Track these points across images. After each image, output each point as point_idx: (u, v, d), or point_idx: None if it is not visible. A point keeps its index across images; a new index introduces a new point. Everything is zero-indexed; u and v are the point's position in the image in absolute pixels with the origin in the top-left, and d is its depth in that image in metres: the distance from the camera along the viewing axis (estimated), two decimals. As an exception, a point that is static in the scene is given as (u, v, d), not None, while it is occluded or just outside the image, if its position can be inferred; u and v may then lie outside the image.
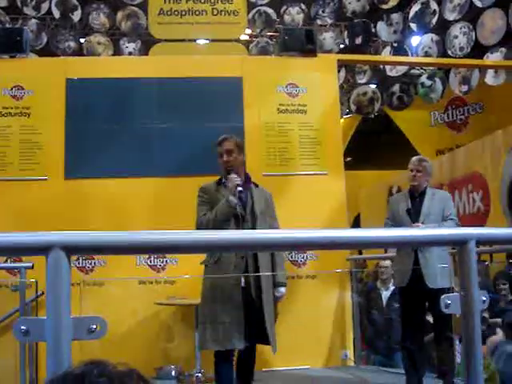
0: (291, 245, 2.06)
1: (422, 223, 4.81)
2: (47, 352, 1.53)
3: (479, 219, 7.91)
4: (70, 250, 1.57)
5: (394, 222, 5.03)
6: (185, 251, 2.02)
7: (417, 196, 4.98)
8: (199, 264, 4.32)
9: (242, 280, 4.09)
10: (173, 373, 5.77)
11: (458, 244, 1.98)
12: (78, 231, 1.63)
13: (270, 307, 4.18)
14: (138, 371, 1.05)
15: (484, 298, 2.00)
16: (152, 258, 6.23)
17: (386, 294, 7.14)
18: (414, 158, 5.15)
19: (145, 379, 1.04)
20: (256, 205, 4.24)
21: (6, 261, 5.87)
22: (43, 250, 1.55)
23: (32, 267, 5.31)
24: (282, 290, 4.35)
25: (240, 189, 4.11)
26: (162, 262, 6.23)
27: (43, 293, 5.52)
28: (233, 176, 4.15)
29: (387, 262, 7.14)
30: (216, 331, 4.04)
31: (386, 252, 7.49)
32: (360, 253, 8.82)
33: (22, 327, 1.55)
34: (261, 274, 4.12)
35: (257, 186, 4.42)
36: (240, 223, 4.15)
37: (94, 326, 1.57)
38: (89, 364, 1.03)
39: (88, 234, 1.67)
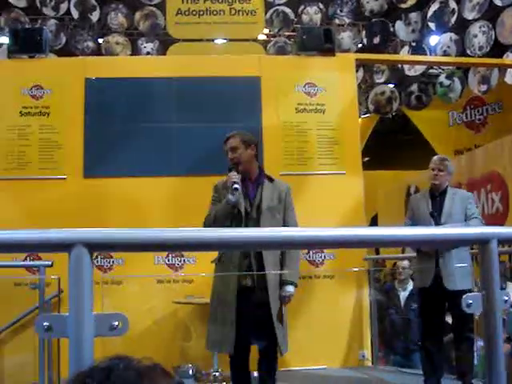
0: (306, 243, 2.05)
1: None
2: (69, 348, 1.54)
3: (498, 220, 7.85)
4: (93, 246, 1.58)
5: (415, 222, 5.00)
6: (211, 249, 2.02)
7: (437, 195, 4.95)
8: (210, 262, 4.29)
9: (248, 280, 4.02)
10: (190, 372, 5.78)
11: (480, 243, 1.96)
12: (100, 228, 1.64)
13: (277, 308, 4.06)
14: (162, 366, 1.05)
15: (506, 298, 1.99)
16: (170, 257, 6.25)
17: (403, 295, 7.11)
18: (436, 157, 5.12)
19: (168, 373, 1.04)
20: (264, 201, 4.15)
21: (26, 259, 5.92)
22: (66, 246, 1.56)
23: (51, 265, 5.35)
24: (289, 288, 4.12)
25: (236, 186, 3.96)
26: (180, 261, 6.25)
27: (62, 291, 5.56)
28: (231, 174, 4.05)
29: (405, 263, 7.11)
30: (215, 333, 4.08)
31: (403, 252, 7.46)
32: (377, 253, 8.78)
33: (45, 323, 1.56)
34: (265, 272, 4.02)
35: (272, 180, 4.30)
36: (243, 220, 4.07)
37: (116, 323, 1.57)
38: (114, 359, 1.04)
39: (110, 231, 1.68)
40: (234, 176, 4.02)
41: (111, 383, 0.97)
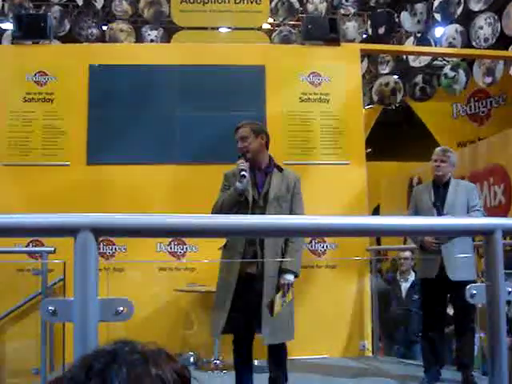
0: (310, 231, 2.05)
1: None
2: (74, 333, 1.55)
3: (501, 212, 7.85)
4: (98, 231, 1.58)
5: (417, 213, 5.00)
6: (212, 235, 2.02)
7: (440, 187, 4.94)
8: (217, 249, 4.31)
9: (252, 268, 4.06)
10: (191, 359, 5.81)
11: (485, 234, 1.96)
12: (105, 213, 1.64)
13: (269, 297, 4.06)
14: (166, 350, 1.06)
15: (509, 289, 1.99)
16: (172, 245, 6.26)
17: (405, 286, 7.12)
18: (439, 149, 5.11)
19: (173, 358, 1.05)
20: (271, 190, 4.17)
21: (28, 245, 5.94)
22: (72, 231, 1.56)
23: (54, 251, 5.36)
24: (288, 276, 4.12)
25: (243, 173, 4.02)
26: (182, 249, 6.26)
27: (64, 278, 5.57)
28: (239, 162, 4.11)
29: (407, 253, 7.12)
30: (215, 316, 4.13)
31: (405, 243, 7.46)
32: (379, 244, 8.78)
33: (50, 307, 1.57)
34: (263, 260, 4.07)
35: (281, 170, 4.32)
36: (250, 207, 4.10)
37: (121, 308, 1.58)
38: (119, 342, 1.04)
39: (116, 216, 1.69)
40: (242, 164, 4.07)
41: (117, 366, 0.97)
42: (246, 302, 4.02)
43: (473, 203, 4.84)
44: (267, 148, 4.36)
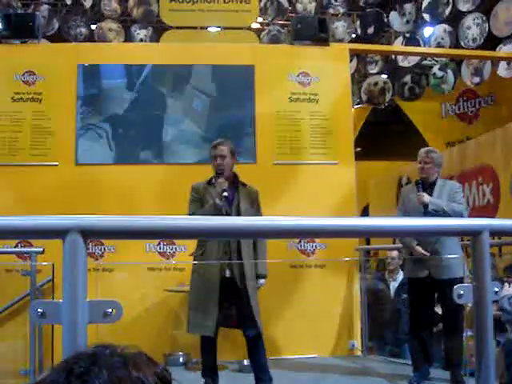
0: (301, 232, 2.06)
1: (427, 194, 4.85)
2: (63, 335, 1.55)
3: (489, 212, 7.89)
4: (87, 233, 1.58)
5: (406, 213, 5.03)
6: (202, 236, 2.03)
7: (427, 187, 4.96)
8: (188, 255, 4.73)
9: (227, 271, 4.48)
10: (181, 359, 5.82)
11: (472, 234, 1.97)
12: (94, 215, 1.64)
13: (255, 295, 4.50)
14: (146, 353, 1.06)
15: (496, 289, 2.01)
16: (161, 245, 6.25)
17: (393, 285, 7.15)
18: (422, 150, 5.12)
19: (153, 361, 1.05)
20: (241, 203, 4.57)
21: (17, 246, 5.91)
22: (60, 233, 1.56)
23: (42, 252, 5.35)
24: (261, 281, 4.65)
25: (225, 194, 4.42)
26: (172, 249, 6.25)
27: (53, 278, 5.56)
28: (221, 181, 4.49)
29: (394, 253, 7.15)
30: (196, 318, 4.46)
31: (394, 243, 7.48)
32: (368, 243, 8.80)
33: (39, 310, 1.57)
34: (241, 261, 4.46)
35: (245, 185, 4.69)
36: None
37: (110, 310, 1.58)
38: (99, 346, 1.04)
39: (105, 218, 1.68)
40: (224, 184, 4.47)
41: (97, 369, 0.97)
42: (225, 302, 4.47)
43: (455, 199, 4.88)
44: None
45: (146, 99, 6.60)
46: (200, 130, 6.54)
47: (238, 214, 4.51)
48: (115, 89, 6.60)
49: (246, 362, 5.27)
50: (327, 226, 1.91)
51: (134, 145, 6.48)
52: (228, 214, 4.48)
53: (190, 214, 4.53)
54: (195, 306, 4.51)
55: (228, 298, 4.48)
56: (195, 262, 4.59)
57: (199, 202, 4.58)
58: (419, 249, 4.82)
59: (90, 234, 1.64)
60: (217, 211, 4.41)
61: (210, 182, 4.66)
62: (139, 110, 6.56)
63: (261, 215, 4.67)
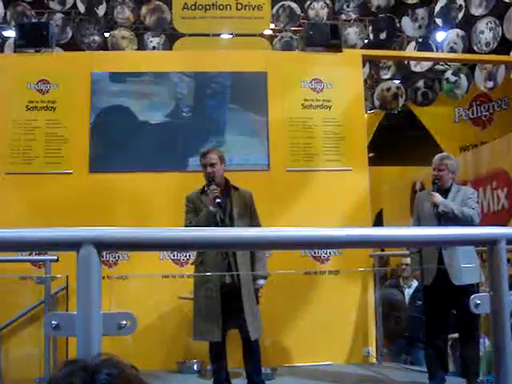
0: (307, 243, 2.05)
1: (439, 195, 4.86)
2: (77, 347, 1.54)
3: (504, 217, 7.82)
4: (101, 245, 1.57)
5: (420, 219, 5.01)
6: (222, 248, 2.02)
7: (442, 193, 4.93)
8: (190, 264, 4.81)
9: (227, 277, 4.53)
10: (195, 367, 5.81)
11: (488, 243, 1.95)
12: (108, 227, 1.64)
13: (250, 300, 4.56)
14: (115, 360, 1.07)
15: (514, 299, 1.98)
16: (175, 253, 6.26)
17: (408, 292, 7.10)
18: (437, 157, 5.09)
19: (123, 361, 1.07)
20: (234, 208, 4.63)
21: (31, 253, 5.93)
22: (74, 245, 1.56)
23: (57, 260, 5.36)
24: (260, 282, 4.69)
25: (218, 200, 4.46)
26: (186, 256, 6.26)
27: (67, 286, 5.57)
28: (213, 188, 4.54)
29: (409, 260, 7.10)
30: (201, 325, 4.54)
31: (408, 250, 7.43)
32: (382, 249, 8.75)
33: (53, 322, 1.56)
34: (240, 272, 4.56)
35: (237, 189, 4.75)
36: (219, 226, 4.51)
37: (124, 322, 1.57)
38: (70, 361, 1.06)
39: (119, 230, 1.68)
40: (216, 191, 4.51)
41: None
42: (229, 308, 4.51)
43: (468, 205, 4.85)
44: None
45: (159, 106, 6.62)
46: (213, 136, 6.55)
47: (231, 219, 4.59)
48: (129, 96, 6.62)
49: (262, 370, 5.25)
50: (339, 236, 1.89)
51: (148, 152, 6.48)
52: (222, 220, 4.56)
53: (186, 225, 4.61)
54: (199, 313, 4.59)
55: (230, 303, 4.51)
56: (208, 274, 4.63)
57: (194, 212, 4.66)
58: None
59: (104, 246, 1.63)
60: (211, 218, 4.51)
61: (202, 191, 4.74)
62: (153, 117, 6.59)
63: (257, 218, 4.77)
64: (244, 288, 4.53)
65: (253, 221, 4.73)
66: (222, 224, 4.55)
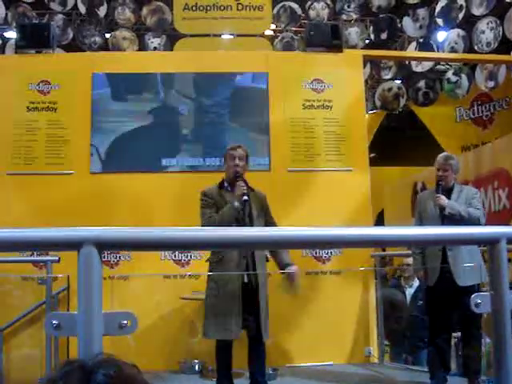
0: (311, 242, 2.05)
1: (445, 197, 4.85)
2: (78, 347, 1.54)
3: (505, 216, 7.82)
4: (102, 245, 1.58)
5: (423, 220, 5.01)
6: (220, 247, 2.03)
7: (444, 193, 4.93)
8: (204, 261, 4.67)
9: (245, 277, 4.46)
10: (196, 367, 5.80)
11: (489, 243, 1.95)
12: (109, 227, 1.64)
13: (264, 300, 4.51)
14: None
15: (515, 298, 1.98)
16: (176, 253, 6.26)
17: (409, 291, 7.09)
18: (440, 157, 5.08)
19: (126, 362, 1.07)
20: (253, 209, 4.58)
21: (32, 254, 5.93)
22: (75, 245, 1.56)
23: (58, 261, 5.36)
24: (293, 267, 4.59)
25: (246, 198, 4.42)
26: (187, 257, 6.26)
27: (68, 286, 5.58)
28: (240, 184, 4.48)
29: (410, 259, 7.09)
30: (217, 323, 4.44)
31: (410, 249, 7.43)
32: (383, 249, 8.75)
33: (54, 321, 1.56)
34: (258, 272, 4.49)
35: (252, 190, 4.67)
36: (240, 224, 4.44)
37: (125, 322, 1.57)
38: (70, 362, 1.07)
39: (120, 230, 1.68)
40: (244, 187, 4.45)
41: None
42: (248, 308, 4.43)
43: (473, 205, 4.85)
44: None
45: (160, 107, 6.63)
46: (214, 137, 6.54)
47: (251, 219, 4.53)
48: (130, 97, 6.63)
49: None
50: (341, 236, 1.89)
51: (149, 152, 6.49)
52: (242, 219, 4.48)
53: (206, 219, 4.50)
54: (214, 311, 4.48)
55: (246, 303, 4.43)
56: (210, 273, 4.59)
57: (214, 207, 4.54)
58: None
59: (105, 246, 1.63)
60: (235, 214, 4.42)
61: (221, 187, 4.67)
62: (154, 117, 6.58)
63: (273, 218, 4.75)
64: (261, 288, 4.47)
65: (269, 220, 4.72)
66: (243, 223, 4.48)
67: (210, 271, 4.63)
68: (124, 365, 1.05)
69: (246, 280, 4.46)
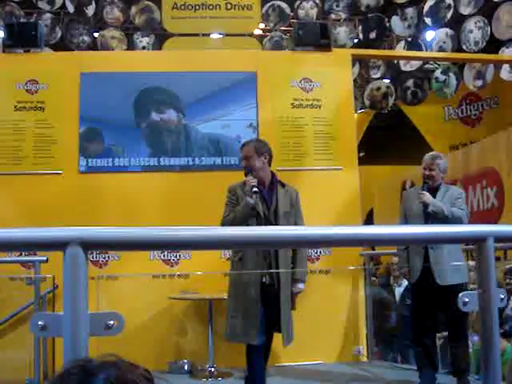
0: (305, 242, 2.04)
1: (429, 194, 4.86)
2: (64, 348, 1.53)
3: (493, 215, 7.86)
4: (88, 245, 1.56)
5: (408, 217, 5.03)
6: (205, 247, 2.01)
7: (431, 193, 4.94)
8: (225, 259, 4.71)
9: (267, 278, 4.32)
10: (186, 367, 5.79)
11: (476, 241, 1.95)
12: (94, 227, 1.63)
13: (286, 303, 4.38)
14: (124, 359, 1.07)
15: (502, 296, 1.99)
16: (165, 253, 6.25)
17: (398, 290, 7.13)
18: (428, 156, 5.08)
19: (134, 363, 1.06)
20: (280, 205, 4.43)
21: (21, 254, 5.90)
22: (61, 245, 1.55)
23: (46, 261, 5.33)
24: (300, 285, 4.51)
25: (255, 189, 4.28)
26: (176, 257, 6.25)
27: (57, 286, 5.55)
28: (248, 178, 4.37)
29: (396, 259, 7.12)
30: (238, 326, 4.31)
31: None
32: (373, 248, 8.77)
33: (40, 322, 1.55)
34: (280, 270, 4.33)
35: (283, 185, 4.57)
36: (262, 223, 4.32)
37: (111, 322, 1.56)
38: (77, 361, 1.07)
39: (105, 230, 1.67)
40: (253, 180, 4.33)
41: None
42: (268, 310, 4.30)
43: (456, 205, 4.86)
44: (270, 165, 4.58)
45: (149, 106, 6.60)
46: (202, 136, 6.53)
47: (276, 217, 4.39)
48: (118, 97, 6.60)
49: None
50: (329, 235, 1.89)
51: (136, 152, 6.47)
52: (266, 217, 4.36)
53: (222, 219, 4.40)
54: (235, 313, 4.36)
55: (268, 304, 4.30)
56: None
57: (235, 204, 4.43)
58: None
59: (91, 246, 1.62)
60: (248, 210, 4.30)
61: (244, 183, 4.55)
62: (143, 117, 6.56)
63: (302, 219, 4.59)
64: (283, 291, 4.33)
65: (298, 219, 4.55)
66: (266, 221, 4.34)
67: (231, 270, 4.54)
68: (127, 367, 1.04)
69: (266, 281, 4.33)
